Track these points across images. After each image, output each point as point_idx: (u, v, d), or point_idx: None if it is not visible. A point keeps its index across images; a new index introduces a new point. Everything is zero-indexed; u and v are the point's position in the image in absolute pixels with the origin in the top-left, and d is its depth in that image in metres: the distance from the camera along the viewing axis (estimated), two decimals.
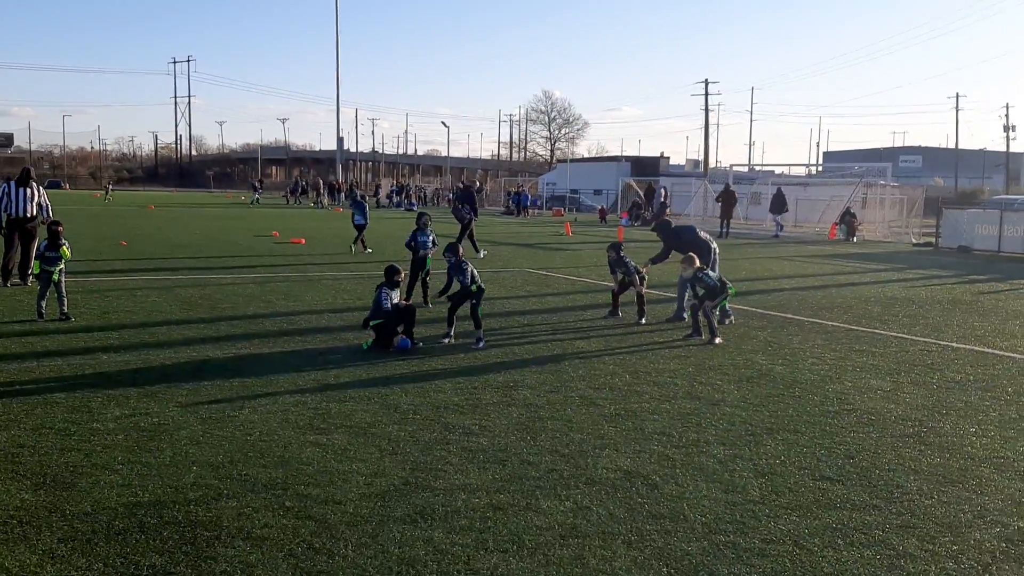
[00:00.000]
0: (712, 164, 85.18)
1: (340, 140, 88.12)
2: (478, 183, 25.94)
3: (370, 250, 23.56)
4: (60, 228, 12.23)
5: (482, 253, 22.95)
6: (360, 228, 24.25)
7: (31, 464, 5.91)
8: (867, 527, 5.19)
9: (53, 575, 4.32)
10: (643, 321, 12.52)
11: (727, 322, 12.40)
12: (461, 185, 28.32)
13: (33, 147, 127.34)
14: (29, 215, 15.17)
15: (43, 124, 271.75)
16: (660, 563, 4.62)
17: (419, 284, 13.74)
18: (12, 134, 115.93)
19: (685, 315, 12.65)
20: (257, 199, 67.41)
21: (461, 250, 10.89)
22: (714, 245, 13.20)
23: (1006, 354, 10.85)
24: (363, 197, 28.25)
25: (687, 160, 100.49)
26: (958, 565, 4.71)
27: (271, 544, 4.73)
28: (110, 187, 73.84)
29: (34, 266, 12.08)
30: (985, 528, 5.23)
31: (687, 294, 12.52)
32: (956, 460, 6.52)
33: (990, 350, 11.11)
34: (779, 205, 37.22)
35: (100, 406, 7.40)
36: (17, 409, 7.24)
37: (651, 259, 13.53)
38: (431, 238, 13.86)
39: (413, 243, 13.79)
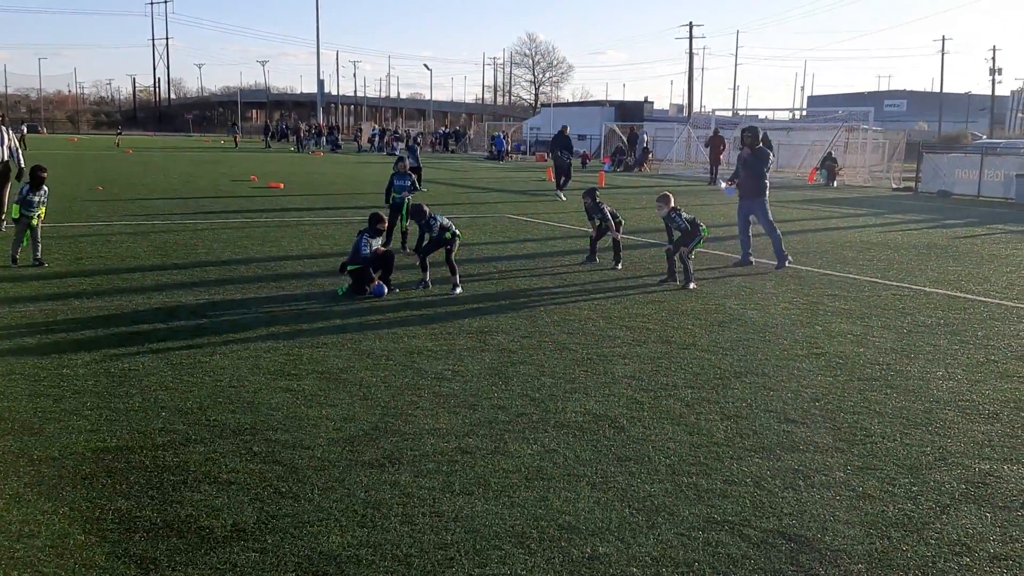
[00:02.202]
0: (696, 109, 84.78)
1: (321, 83, 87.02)
2: (567, 127, 28.52)
3: (425, 189, 24.40)
4: (44, 174, 11.97)
5: (563, 197, 24.57)
6: (412, 170, 25.01)
7: (0, 410, 5.91)
8: (829, 469, 5.27)
9: (19, 519, 4.34)
10: (619, 267, 12.53)
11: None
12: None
13: (9, 90, 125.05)
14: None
15: (19, 67, 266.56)
16: (623, 504, 4.69)
17: (398, 230, 13.68)
18: None
19: (751, 258, 13.17)
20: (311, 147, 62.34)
21: (427, 210, 10.77)
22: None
23: (978, 298, 10.95)
24: (415, 141, 29.45)
25: (671, 105, 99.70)
26: (916, 506, 4.79)
27: (237, 488, 4.76)
28: (120, 132, 72.62)
29: (13, 210, 11.82)
30: (946, 470, 5.32)
31: (750, 233, 13.18)
32: (921, 403, 6.60)
33: (962, 294, 11.20)
34: None
35: (70, 352, 7.37)
36: None
37: (729, 178, 14.17)
38: (409, 182, 13.81)
39: (390, 186, 13.76)
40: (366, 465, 5.14)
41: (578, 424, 5.94)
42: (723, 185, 14.47)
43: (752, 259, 13.20)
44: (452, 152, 66.81)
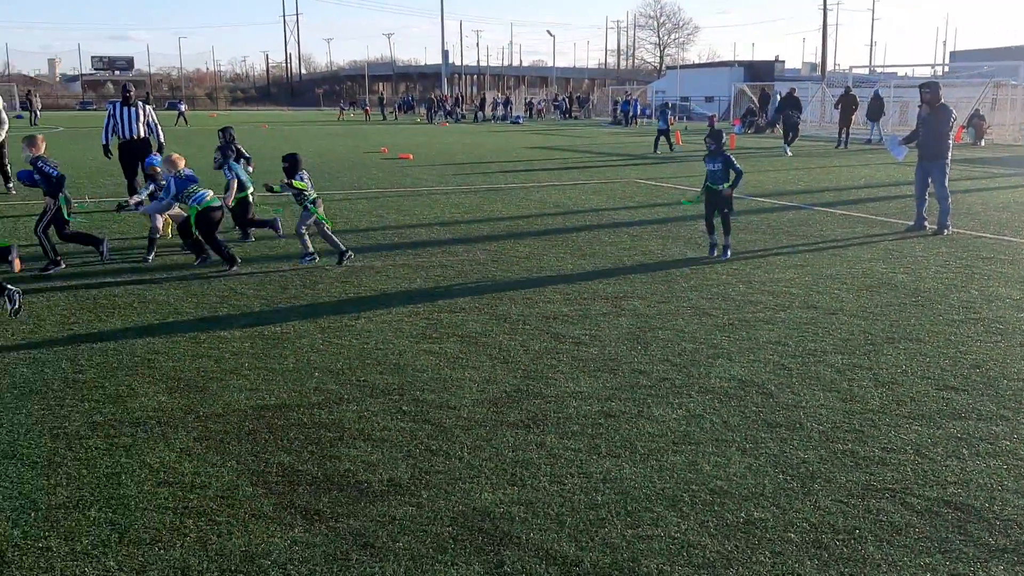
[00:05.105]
0: (830, 67, 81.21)
1: (445, 53, 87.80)
2: (795, 89, 33.50)
3: (680, 147, 29.41)
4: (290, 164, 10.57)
5: (789, 152, 28.22)
6: (661, 132, 29.85)
7: (166, 369, 6.25)
8: (994, 437, 5.02)
9: (191, 471, 4.59)
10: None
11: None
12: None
13: (152, 70, 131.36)
14: (137, 136, 14.68)
15: (159, 47, 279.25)
16: (776, 470, 4.59)
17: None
18: (132, 57, 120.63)
19: (926, 223, 12.50)
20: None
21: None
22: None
23: None
24: (666, 104, 34.29)
25: (803, 63, 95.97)
26: None
27: (390, 445, 4.90)
28: (343, 107, 76.50)
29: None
30: None
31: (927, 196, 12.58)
32: None
33: None
34: (876, 111, 34.84)
35: (226, 316, 7.73)
36: (150, 318, 7.64)
37: (905, 138, 13.15)
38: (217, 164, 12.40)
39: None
40: (511, 426, 5.20)
41: (723, 390, 5.84)
42: (895, 146, 13.23)
43: (927, 224, 12.46)
44: (575, 118, 66.41)
